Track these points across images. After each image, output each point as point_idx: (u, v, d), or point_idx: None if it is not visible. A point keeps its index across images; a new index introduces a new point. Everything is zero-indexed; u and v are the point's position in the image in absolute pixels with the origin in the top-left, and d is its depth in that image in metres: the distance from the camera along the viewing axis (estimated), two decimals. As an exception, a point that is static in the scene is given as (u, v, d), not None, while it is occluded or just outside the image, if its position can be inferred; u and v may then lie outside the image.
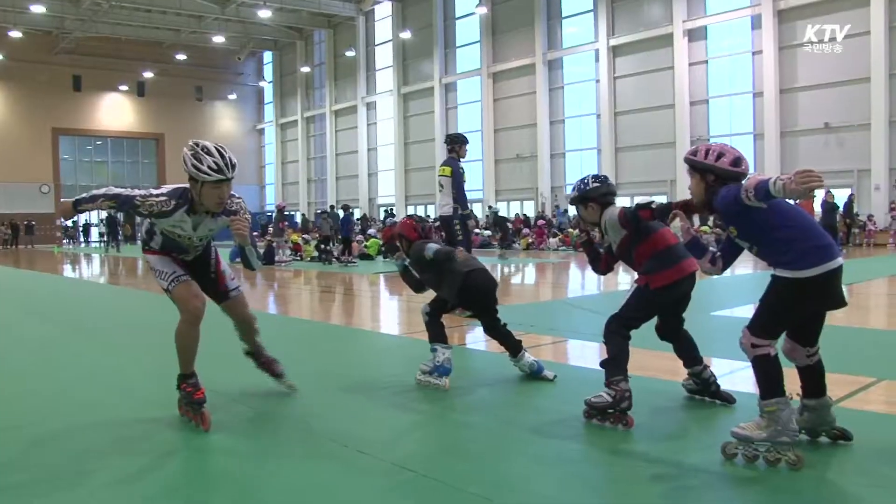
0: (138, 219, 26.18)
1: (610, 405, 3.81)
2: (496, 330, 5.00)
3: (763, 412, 3.19)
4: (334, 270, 16.82)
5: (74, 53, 41.22)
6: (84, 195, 3.99)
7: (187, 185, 3.80)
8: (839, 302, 3.27)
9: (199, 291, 3.97)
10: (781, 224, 3.17)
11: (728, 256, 3.51)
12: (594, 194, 4.14)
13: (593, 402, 3.87)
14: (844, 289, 3.40)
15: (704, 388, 4.17)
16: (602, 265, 4.39)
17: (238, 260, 4.09)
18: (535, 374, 4.93)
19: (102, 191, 3.92)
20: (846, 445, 3.39)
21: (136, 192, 3.89)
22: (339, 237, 19.51)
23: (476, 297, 4.97)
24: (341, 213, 19.79)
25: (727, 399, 4.12)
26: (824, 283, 3.13)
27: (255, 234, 15.90)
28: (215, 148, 3.70)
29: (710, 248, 3.56)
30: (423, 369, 4.87)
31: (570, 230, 25.07)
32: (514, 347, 4.96)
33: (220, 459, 3.52)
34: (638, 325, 3.97)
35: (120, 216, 40.18)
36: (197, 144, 3.72)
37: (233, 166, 3.70)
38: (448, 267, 4.85)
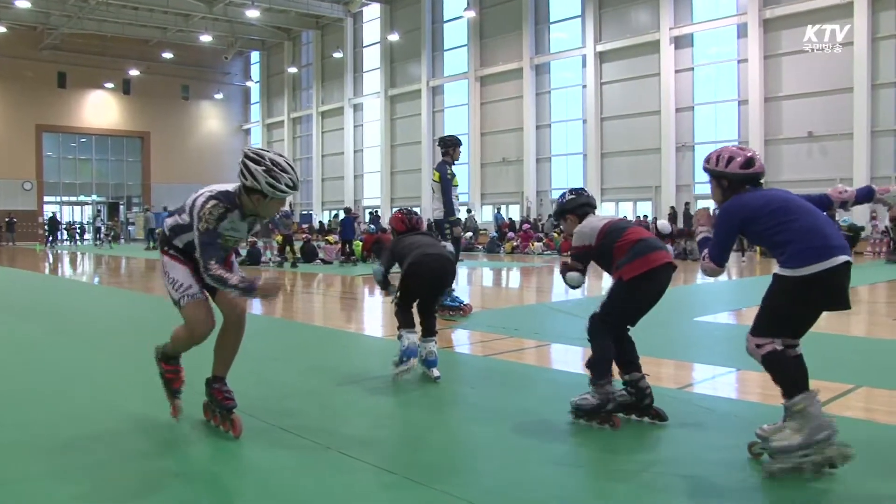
0: (132, 216, 25.99)
1: (596, 408, 3.85)
2: (428, 311, 5.26)
3: (793, 413, 3.06)
4: (319, 271, 16.78)
5: (60, 50, 40.81)
6: (231, 280, 3.43)
7: (230, 188, 3.62)
8: (841, 303, 3.20)
9: (212, 312, 3.70)
10: (779, 228, 3.16)
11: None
12: (570, 207, 4.22)
13: (579, 403, 3.91)
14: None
15: (638, 400, 3.97)
16: None
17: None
18: (425, 364, 5.14)
19: (210, 268, 3.44)
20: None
21: (199, 225, 3.49)
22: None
23: (420, 282, 5.13)
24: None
25: (659, 416, 3.94)
26: (822, 281, 3.08)
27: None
28: (284, 161, 3.54)
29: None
30: (394, 361, 5.08)
31: (555, 234, 25.15)
32: (430, 330, 5.21)
33: (202, 461, 3.51)
34: (620, 322, 3.92)
35: (102, 215, 39.99)
36: (262, 157, 3.51)
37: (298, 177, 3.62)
38: (403, 265, 5.15)
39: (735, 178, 3.38)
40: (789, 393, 3.10)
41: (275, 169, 3.49)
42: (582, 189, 4.34)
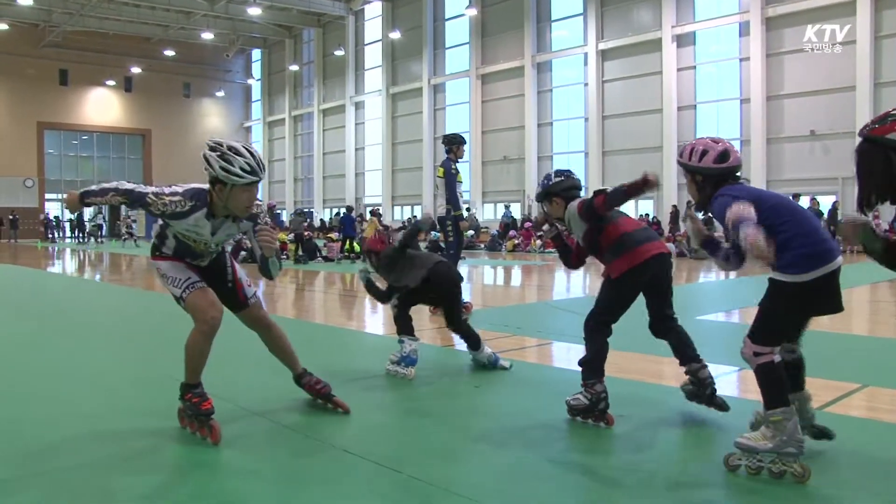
0: (133, 214, 25.80)
1: (588, 408, 3.84)
2: (459, 323, 5.29)
3: (768, 423, 3.07)
4: (319, 269, 16.77)
5: (61, 47, 40.86)
6: (93, 187, 3.70)
7: (205, 187, 3.55)
8: (836, 307, 3.11)
9: (216, 300, 3.69)
10: (776, 228, 2.99)
11: (741, 254, 3.24)
12: (556, 189, 4.07)
13: (572, 403, 3.91)
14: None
15: (700, 391, 3.91)
16: (573, 259, 4.29)
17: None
18: (492, 365, 5.24)
19: (113, 184, 3.67)
20: (822, 450, 3.39)
21: (149, 188, 3.63)
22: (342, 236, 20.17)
23: (443, 285, 5.24)
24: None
25: (720, 406, 3.90)
26: (822, 286, 2.99)
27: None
28: (243, 147, 3.46)
29: (723, 245, 3.32)
30: (391, 359, 5.14)
31: (539, 231, 25.08)
32: (475, 342, 5.26)
33: (200, 460, 3.49)
34: (613, 319, 3.88)
35: (104, 213, 39.99)
36: (220, 144, 3.45)
37: (263, 166, 3.50)
38: (414, 263, 5.25)
39: (709, 173, 3.23)
40: (772, 404, 3.06)
41: (229, 153, 3.41)
42: (569, 171, 4.19)
